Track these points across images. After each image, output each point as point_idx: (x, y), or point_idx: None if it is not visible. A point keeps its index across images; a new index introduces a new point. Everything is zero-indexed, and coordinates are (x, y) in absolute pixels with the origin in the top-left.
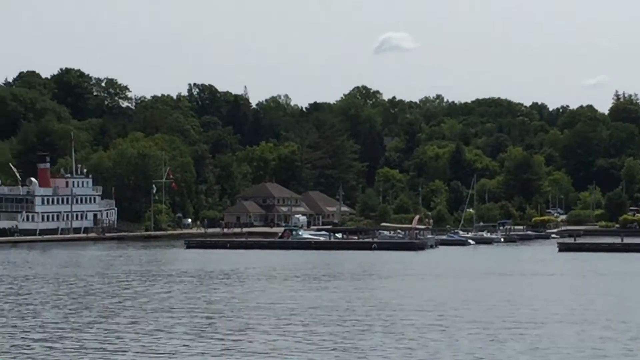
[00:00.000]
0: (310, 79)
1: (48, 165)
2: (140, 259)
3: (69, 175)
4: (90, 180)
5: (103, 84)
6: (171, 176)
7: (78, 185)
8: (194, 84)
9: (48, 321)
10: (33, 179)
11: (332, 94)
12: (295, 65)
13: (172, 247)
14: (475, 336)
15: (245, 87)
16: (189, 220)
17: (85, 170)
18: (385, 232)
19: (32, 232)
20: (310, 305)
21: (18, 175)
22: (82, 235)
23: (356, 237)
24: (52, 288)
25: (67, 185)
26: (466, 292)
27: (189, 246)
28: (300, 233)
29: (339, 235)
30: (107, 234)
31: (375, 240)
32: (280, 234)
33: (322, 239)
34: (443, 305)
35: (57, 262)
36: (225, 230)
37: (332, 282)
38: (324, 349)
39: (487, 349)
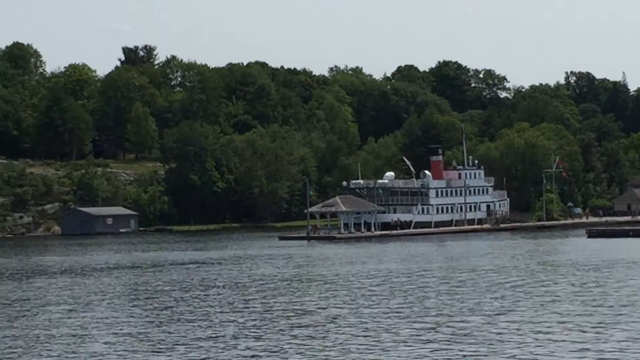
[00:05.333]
0: None
1: (440, 157)
2: (544, 249)
3: (460, 167)
4: (482, 172)
5: (481, 75)
6: (561, 165)
7: (470, 177)
8: (572, 72)
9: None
10: (427, 172)
11: None
12: None
13: (571, 237)
14: None
15: (623, 73)
16: (579, 209)
17: (476, 162)
18: None
19: (427, 224)
20: None
21: (412, 169)
22: (476, 226)
23: None
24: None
25: (459, 177)
26: None
27: (590, 235)
28: None
29: None
30: (501, 225)
31: None
32: None
33: None
34: None
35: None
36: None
37: None
38: None
39: None
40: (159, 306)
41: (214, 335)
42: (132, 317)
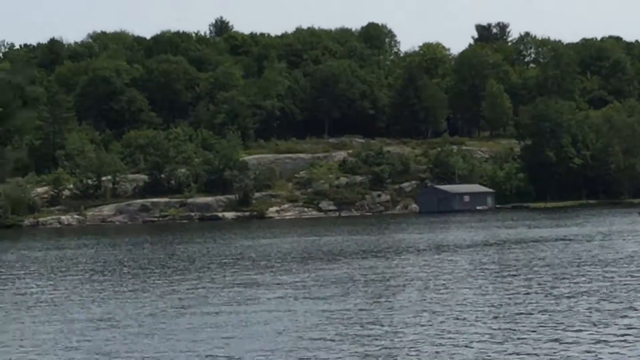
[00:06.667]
0: None
1: None
2: None
3: None
4: None
5: None
6: None
7: None
8: None
9: None
10: None
11: None
12: None
13: None
14: None
15: None
16: None
17: None
18: None
19: None
20: None
21: None
22: None
23: None
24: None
25: None
26: None
27: None
28: None
29: None
30: None
31: None
32: None
33: None
34: None
35: None
36: None
37: None
38: None
39: None
40: (531, 283)
41: (589, 311)
42: (506, 293)
